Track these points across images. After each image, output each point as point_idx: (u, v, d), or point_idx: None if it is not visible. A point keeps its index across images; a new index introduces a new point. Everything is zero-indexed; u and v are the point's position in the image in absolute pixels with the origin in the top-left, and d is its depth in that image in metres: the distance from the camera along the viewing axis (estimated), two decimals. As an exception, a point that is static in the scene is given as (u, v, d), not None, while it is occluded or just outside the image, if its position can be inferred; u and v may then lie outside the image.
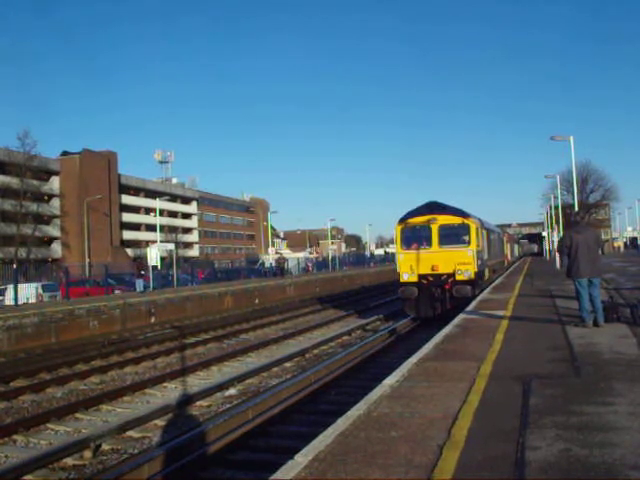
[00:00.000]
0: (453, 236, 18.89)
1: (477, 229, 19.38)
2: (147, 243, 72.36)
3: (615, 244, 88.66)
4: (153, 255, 32.11)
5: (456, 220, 18.90)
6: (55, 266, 44.25)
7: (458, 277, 18.20)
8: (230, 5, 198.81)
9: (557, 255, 37.17)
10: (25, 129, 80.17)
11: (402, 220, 19.37)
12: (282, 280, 37.79)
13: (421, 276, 18.55)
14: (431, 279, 18.51)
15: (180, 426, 8.98)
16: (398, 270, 19.02)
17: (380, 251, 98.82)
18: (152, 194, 77.84)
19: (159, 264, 33.18)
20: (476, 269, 18.55)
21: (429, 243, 18.75)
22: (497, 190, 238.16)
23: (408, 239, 19.20)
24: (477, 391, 5.85)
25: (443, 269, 18.40)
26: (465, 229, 18.79)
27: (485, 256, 21.56)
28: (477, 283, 18.80)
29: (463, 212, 19.45)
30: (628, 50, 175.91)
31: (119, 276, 35.63)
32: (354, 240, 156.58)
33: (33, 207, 63.09)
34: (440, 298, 18.45)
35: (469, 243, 18.63)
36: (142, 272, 30.30)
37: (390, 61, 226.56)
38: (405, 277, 18.69)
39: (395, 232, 19.72)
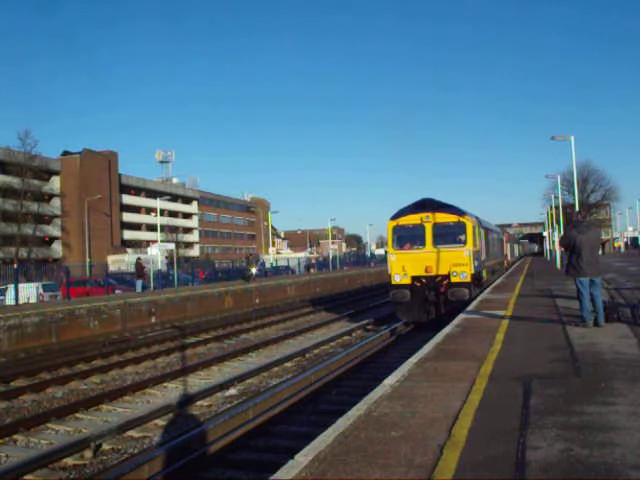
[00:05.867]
0: (448, 235, 17.80)
1: (474, 228, 18.21)
2: (148, 243, 72.47)
3: (616, 244, 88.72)
4: (154, 255, 32.11)
5: (451, 218, 17.78)
6: (56, 266, 44.28)
7: (453, 279, 17.10)
8: (230, 5, 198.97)
9: (558, 253, 37.26)
10: (26, 129, 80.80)
11: (394, 218, 18.27)
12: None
13: (414, 278, 17.46)
14: (425, 281, 17.42)
15: (180, 426, 8.98)
16: (389, 272, 17.93)
17: (381, 251, 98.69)
18: (153, 194, 77.92)
19: (160, 264, 33.19)
20: (473, 271, 17.47)
21: (423, 243, 17.68)
22: (497, 190, 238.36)
23: (400, 238, 18.14)
24: (477, 391, 5.84)
25: (437, 270, 17.32)
26: (461, 228, 17.67)
27: (483, 256, 20.55)
28: (474, 285, 17.76)
29: (459, 210, 18.34)
30: (628, 50, 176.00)
31: (119, 276, 35.65)
32: (354, 240, 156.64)
33: (34, 207, 63.18)
34: (434, 302, 17.43)
35: (465, 243, 17.52)
36: (144, 271, 30.16)
37: (390, 61, 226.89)
38: (397, 279, 17.58)
39: (387, 231, 18.64)
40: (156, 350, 16.58)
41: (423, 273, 17.45)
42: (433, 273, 17.38)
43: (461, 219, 17.80)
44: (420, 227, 17.74)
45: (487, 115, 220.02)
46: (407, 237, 18.14)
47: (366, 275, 51.26)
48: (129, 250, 76.78)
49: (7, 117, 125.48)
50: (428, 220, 17.65)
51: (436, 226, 17.68)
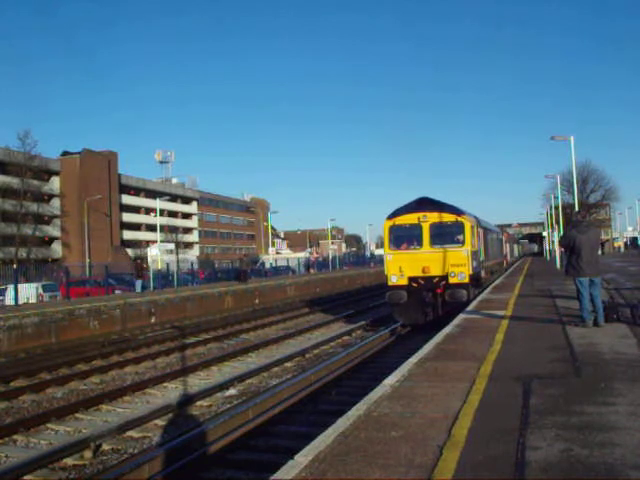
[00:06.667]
0: (446, 235, 17.43)
1: (472, 227, 17.89)
2: (147, 243, 72.51)
3: (615, 244, 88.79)
4: (154, 255, 32.12)
5: (449, 218, 17.37)
6: (55, 266, 44.26)
7: (451, 280, 16.75)
8: (230, 5, 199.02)
9: (558, 253, 37.29)
10: (26, 129, 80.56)
11: (390, 218, 17.87)
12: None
13: (411, 279, 17.11)
14: (422, 282, 17.07)
15: (180, 426, 8.98)
16: (386, 272, 17.61)
17: (380, 251, 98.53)
18: (152, 194, 77.98)
19: (160, 264, 33.20)
20: (471, 271, 17.08)
21: (420, 243, 17.33)
22: (497, 190, 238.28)
23: (397, 238, 17.79)
24: (477, 391, 5.84)
25: (435, 271, 16.99)
26: (459, 227, 17.31)
27: (481, 257, 20.21)
28: (472, 286, 17.47)
29: (457, 209, 17.99)
30: (628, 50, 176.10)
31: (119, 276, 35.66)
32: (354, 240, 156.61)
33: (33, 207, 63.11)
34: (432, 303, 17.12)
35: (464, 243, 17.16)
36: (143, 272, 30.22)
37: (390, 61, 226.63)
38: (393, 280, 17.22)
39: (383, 231, 18.22)
40: (156, 350, 16.57)
41: (420, 274, 17.13)
42: (431, 274, 17.06)
43: (459, 219, 17.45)
44: (417, 227, 17.41)
45: (487, 115, 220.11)
46: (404, 237, 17.79)
47: (366, 275, 51.26)
48: (129, 250, 76.85)
49: (7, 117, 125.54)
50: (425, 220, 17.31)
51: (433, 226, 17.35)
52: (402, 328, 18.09)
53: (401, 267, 17.24)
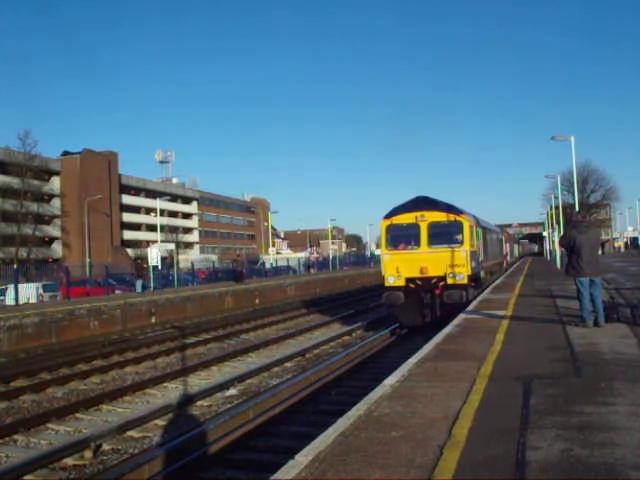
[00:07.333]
0: (444, 235, 17.13)
1: (471, 227, 17.68)
2: (147, 243, 72.49)
3: (616, 244, 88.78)
4: (154, 255, 32.14)
5: (448, 217, 17.09)
6: (56, 266, 44.26)
7: (450, 281, 16.45)
8: (230, 5, 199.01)
9: (558, 253, 37.29)
10: (26, 129, 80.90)
11: (388, 217, 17.58)
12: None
13: (408, 279, 16.82)
14: (420, 283, 16.80)
15: (181, 426, 8.98)
16: (383, 273, 17.26)
17: (380, 251, 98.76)
18: (152, 194, 77.95)
19: (159, 264, 33.22)
20: (470, 272, 16.83)
21: (417, 243, 17.06)
22: (497, 190, 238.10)
23: (394, 238, 17.47)
24: (477, 391, 5.84)
25: (433, 272, 16.66)
26: (458, 227, 17.03)
27: (481, 257, 19.99)
28: (471, 287, 17.24)
29: (455, 208, 17.69)
30: (628, 50, 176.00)
31: (120, 276, 35.68)
32: (354, 240, 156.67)
33: (34, 207, 63.19)
34: (430, 304, 16.89)
35: (462, 243, 16.90)
36: (143, 272, 30.26)
37: (390, 61, 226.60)
38: (390, 281, 16.92)
39: (380, 230, 17.96)
40: (156, 350, 16.58)
41: (418, 274, 16.84)
42: (428, 274, 16.75)
43: (458, 218, 17.17)
44: (415, 226, 17.11)
45: (487, 115, 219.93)
46: (401, 237, 17.49)
47: (366, 275, 51.20)
48: (129, 250, 76.86)
49: (7, 117, 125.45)
50: (423, 219, 17.01)
51: (431, 225, 17.07)
52: (402, 329, 18.04)
53: (398, 267, 16.97)
